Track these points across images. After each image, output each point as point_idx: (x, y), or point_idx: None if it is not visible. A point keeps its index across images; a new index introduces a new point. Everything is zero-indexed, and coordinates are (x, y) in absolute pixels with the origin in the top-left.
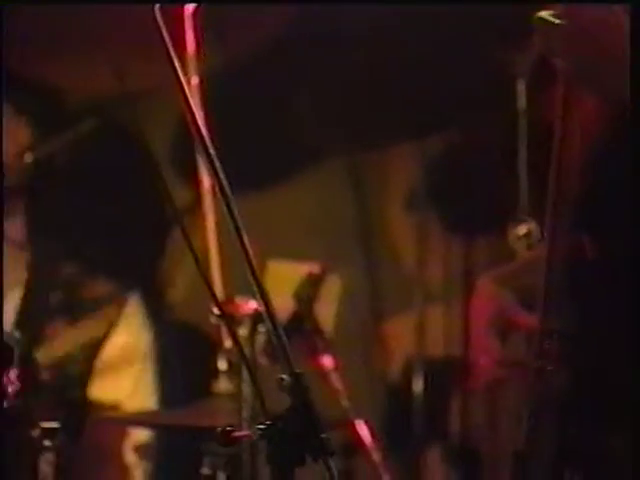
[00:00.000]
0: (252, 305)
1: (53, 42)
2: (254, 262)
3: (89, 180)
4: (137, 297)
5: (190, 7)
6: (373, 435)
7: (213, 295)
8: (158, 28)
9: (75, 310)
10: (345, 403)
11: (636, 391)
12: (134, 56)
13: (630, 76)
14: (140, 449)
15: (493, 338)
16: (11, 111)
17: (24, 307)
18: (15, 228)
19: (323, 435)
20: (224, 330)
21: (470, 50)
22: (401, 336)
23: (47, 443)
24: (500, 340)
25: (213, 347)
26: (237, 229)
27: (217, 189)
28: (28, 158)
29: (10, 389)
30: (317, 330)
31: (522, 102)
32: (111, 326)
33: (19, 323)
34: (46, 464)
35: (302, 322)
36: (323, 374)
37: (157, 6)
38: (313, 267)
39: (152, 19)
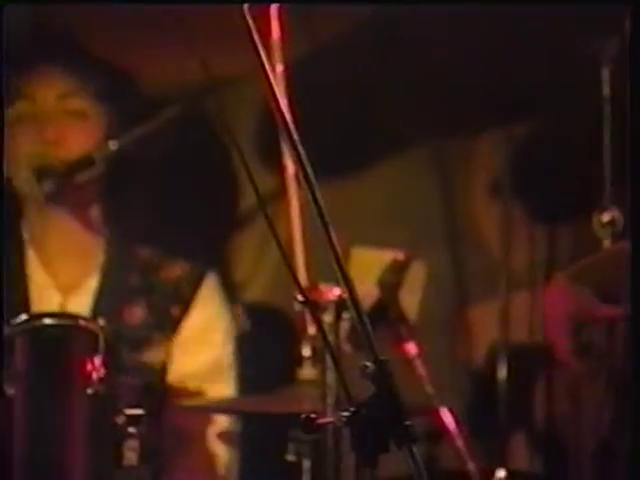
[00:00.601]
0: (336, 292)
1: (136, 29)
2: (338, 249)
3: (172, 167)
4: (214, 280)
5: None
6: (457, 422)
7: (297, 282)
8: (243, 15)
9: (152, 292)
10: (429, 390)
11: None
12: (219, 43)
13: (630, 76)
14: (224, 436)
15: (570, 334)
16: (92, 99)
17: (103, 292)
18: (93, 213)
19: (407, 422)
20: (308, 317)
21: (554, 38)
22: (485, 323)
23: (131, 430)
24: (577, 334)
25: (297, 334)
26: (321, 216)
27: (301, 176)
28: (112, 146)
29: (95, 376)
30: (401, 317)
31: (606, 90)
32: (188, 308)
33: (100, 309)
34: (130, 451)
35: (386, 309)
36: (407, 361)
37: None
38: (398, 254)
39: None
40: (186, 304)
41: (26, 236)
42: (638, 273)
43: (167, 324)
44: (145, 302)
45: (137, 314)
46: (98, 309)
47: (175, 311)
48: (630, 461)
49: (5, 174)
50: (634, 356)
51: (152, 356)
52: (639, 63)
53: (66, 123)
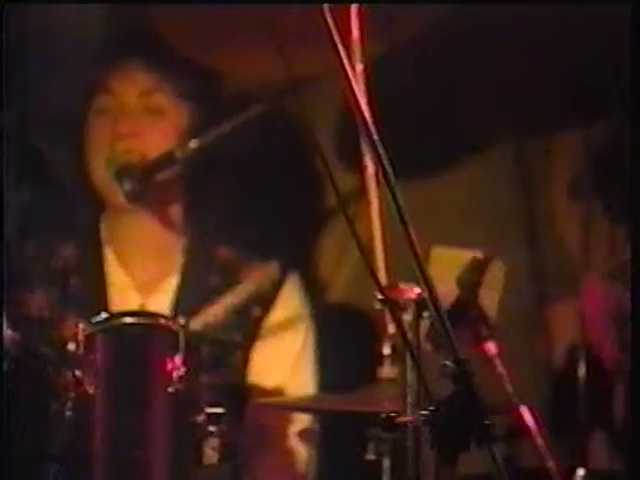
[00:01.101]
0: (416, 291)
1: (219, 27)
2: (418, 248)
3: (253, 166)
4: (295, 280)
5: None
6: (537, 421)
7: (377, 281)
8: (323, 15)
9: (232, 292)
10: (509, 389)
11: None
12: (300, 42)
13: (630, 75)
14: (304, 434)
15: (613, 331)
16: (173, 96)
17: (183, 292)
18: (173, 212)
19: (487, 421)
20: (388, 316)
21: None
22: (565, 321)
23: (212, 428)
24: (620, 331)
25: (377, 333)
26: (401, 215)
27: (381, 176)
28: (193, 144)
29: (175, 375)
30: (481, 316)
31: None
32: (269, 308)
33: (180, 309)
34: (211, 449)
35: (466, 308)
36: (487, 360)
37: None
38: (477, 253)
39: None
40: (267, 304)
41: (105, 236)
42: (638, 273)
43: (248, 324)
44: (226, 301)
45: (218, 314)
46: (178, 309)
47: (256, 311)
48: (631, 460)
49: (84, 170)
50: (634, 355)
51: (232, 355)
52: (639, 63)
53: (145, 119)
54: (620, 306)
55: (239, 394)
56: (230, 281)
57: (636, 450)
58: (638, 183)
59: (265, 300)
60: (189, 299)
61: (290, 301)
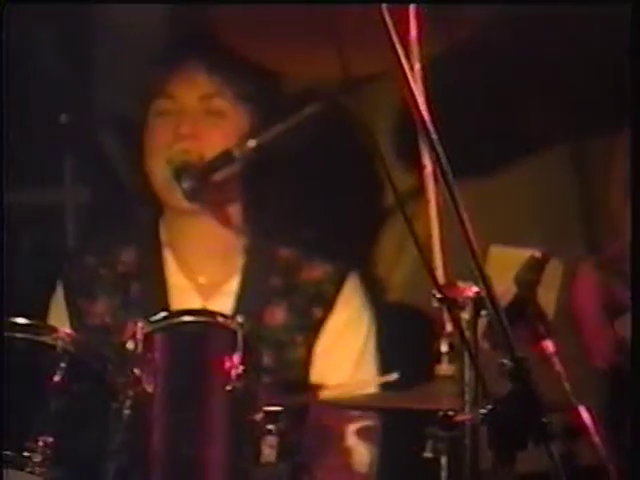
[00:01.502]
0: (474, 290)
1: (275, 27)
2: (476, 247)
3: (311, 166)
4: (356, 280)
5: None
6: (594, 419)
7: (434, 279)
8: (382, 15)
9: (293, 293)
10: (566, 387)
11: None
12: (358, 42)
13: (630, 75)
14: (364, 433)
15: (604, 322)
16: (233, 99)
17: (244, 293)
18: (233, 212)
19: (544, 419)
20: (446, 314)
21: None
22: None
23: (270, 427)
24: (611, 322)
25: (435, 331)
26: (459, 214)
27: (439, 174)
28: (251, 143)
29: (233, 373)
30: (539, 315)
31: None
32: (330, 308)
33: (239, 307)
34: (269, 448)
35: (524, 307)
36: (544, 358)
37: None
38: (535, 252)
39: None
40: (328, 305)
41: (164, 239)
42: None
43: (309, 325)
44: (287, 303)
45: (278, 315)
46: (239, 310)
47: (317, 312)
48: (631, 459)
49: (143, 172)
50: (634, 355)
51: (293, 355)
52: (639, 63)
53: (205, 122)
54: (615, 300)
55: (299, 393)
56: (291, 282)
57: (636, 450)
58: (638, 183)
59: (326, 301)
60: (250, 300)
61: (351, 301)
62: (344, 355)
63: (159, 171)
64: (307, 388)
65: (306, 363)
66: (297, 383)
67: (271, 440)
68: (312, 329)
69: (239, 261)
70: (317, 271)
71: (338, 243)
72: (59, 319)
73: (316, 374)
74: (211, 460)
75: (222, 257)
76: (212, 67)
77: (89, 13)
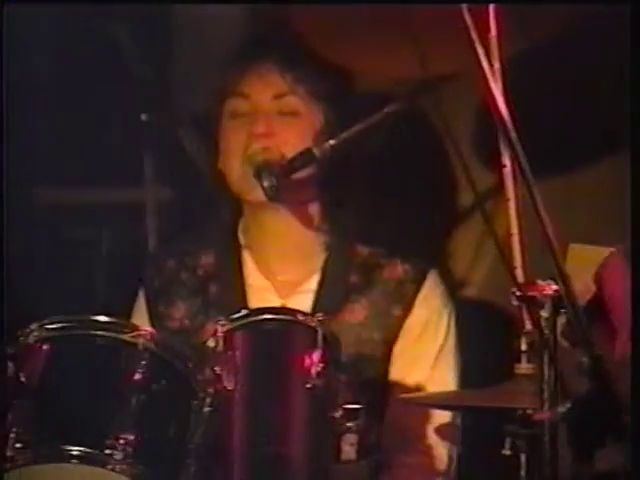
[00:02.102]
0: (553, 288)
1: (351, 25)
2: (555, 245)
3: (390, 164)
4: (435, 279)
5: None
6: None
7: (514, 278)
8: (461, 14)
9: (372, 291)
10: None
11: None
12: (436, 41)
13: (630, 75)
14: (442, 430)
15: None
16: (307, 98)
17: (324, 291)
18: (312, 211)
19: (623, 418)
20: (525, 312)
21: None
22: None
23: (350, 424)
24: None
25: (514, 329)
26: (538, 212)
27: (518, 173)
28: (331, 142)
29: (313, 370)
30: None
31: None
32: (409, 307)
33: (319, 305)
34: (349, 445)
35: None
36: (624, 357)
37: None
38: (614, 250)
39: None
40: (408, 303)
41: (242, 240)
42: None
43: (388, 323)
44: (366, 301)
45: (358, 313)
46: (318, 309)
47: (397, 310)
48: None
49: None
50: (634, 355)
51: (373, 354)
52: (639, 63)
53: (278, 122)
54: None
55: (379, 391)
56: (370, 280)
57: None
58: (638, 183)
59: (406, 299)
60: (329, 298)
61: (430, 300)
62: (423, 354)
63: (236, 170)
64: (386, 386)
65: (385, 361)
66: (376, 381)
67: (351, 438)
68: (391, 328)
69: (318, 260)
70: (397, 270)
71: (416, 242)
72: (140, 323)
73: (395, 372)
74: (291, 457)
75: (301, 256)
76: (285, 66)
77: (169, 12)
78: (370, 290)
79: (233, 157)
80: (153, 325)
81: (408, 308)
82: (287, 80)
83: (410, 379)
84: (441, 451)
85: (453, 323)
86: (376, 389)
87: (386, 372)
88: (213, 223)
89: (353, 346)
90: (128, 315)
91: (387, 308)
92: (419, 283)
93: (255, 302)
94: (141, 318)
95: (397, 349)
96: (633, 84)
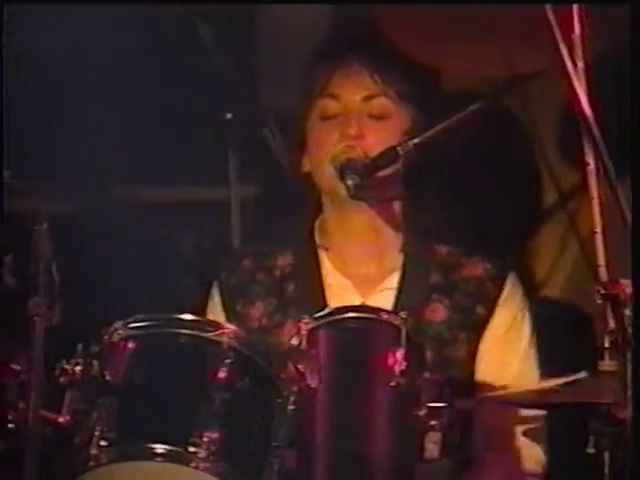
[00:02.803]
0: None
1: (437, 25)
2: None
3: (471, 162)
4: (516, 278)
5: None
6: None
7: (597, 276)
8: (545, 14)
9: (453, 290)
10: None
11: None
12: (520, 40)
13: (630, 76)
14: (529, 429)
15: None
16: (396, 99)
17: (404, 290)
18: (394, 210)
19: None
20: (609, 310)
21: None
22: None
23: (433, 422)
24: None
25: (597, 327)
26: (622, 211)
27: (602, 172)
28: (414, 141)
29: (397, 369)
30: None
31: None
32: (493, 306)
33: (400, 304)
34: (432, 443)
35: None
36: None
37: None
38: None
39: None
40: (491, 303)
41: (319, 238)
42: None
43: (472, 323)
44: (448, 300)
45: (440, 312)
46: (399, 307)
47: (480, 310)
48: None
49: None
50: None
51: (456, 353)
52: (639, 63)
53: (369, 124)
54: None
55: (463, 390)
56: (451, 279)
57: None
58: (638, 183)
59: (488, 299)
60: (410, 297)
61: (513, 299)
62: (508, 353)
63: (322, 170)
64: (472, 385)
65: (468, 361)
66: (460, 379)
67: (434, 436)
68: (475, 327)
69: (397, 258)
70: (478, 269)
71: (497, 241)
72: (216, 319)
73: (481, 372)
74: (374, 455)
75: (379, 254)
76: (374, 67)
77: (255, 12)
78: (451, 289)
79: (322, 157)
80: (228, 322)
81: (491, 308)
82: (377, 81)
83: (496, 378)
84: (525, 448)
85: (536, 321)
86: (461, 387)
87: (471, 371)
88: (291, 222)
89: (437, 346)
90: (203, 308)
91: (470, 307)
92: (501, 283)
93: (335, 301)
94: (216, 316)
95: (481, 348)
96: (633, 84)
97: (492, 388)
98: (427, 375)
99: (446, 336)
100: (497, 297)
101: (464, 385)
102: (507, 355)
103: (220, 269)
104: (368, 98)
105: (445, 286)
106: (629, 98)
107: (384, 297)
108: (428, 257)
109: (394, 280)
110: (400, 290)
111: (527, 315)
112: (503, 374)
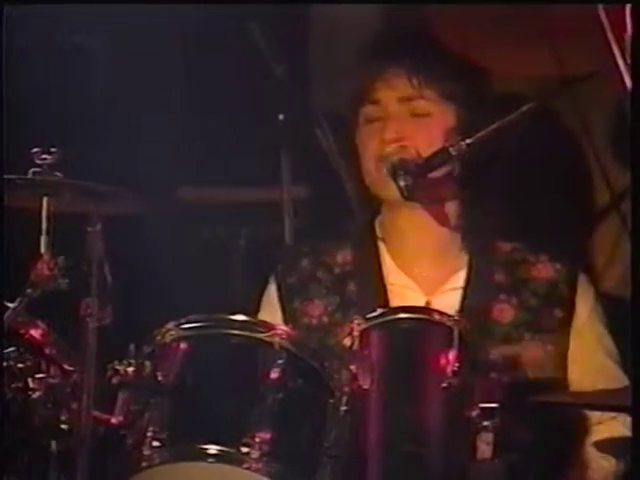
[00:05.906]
0: None
1: (488, 25)
2: None
3: (525, 163)
4: (586, 278)
5: None
6: None
7: None
8: (597, 15)
9: (522, 290)
10: None
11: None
12: (572, 41)
13: (631, 76)
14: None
15: None
16: (437, 99)
17: (470, 287)
18: (449, 210)
19: None
20: None
21: None
22: None
23: (486, 423)
24: None
25: None
26: None
27: None
28: (466, 142)
29: (449, 369)
30: None
31: None
32: (571, 309)
33: (466, 303)
34: (485, 444)
35: None
36: None
37: None
38: None
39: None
40: (568, 305)
41: (380, 236)
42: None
43: (546, 325)
44: (516, 300)
45: (507, 312)
46: (466, 306)
47: (558, 312)
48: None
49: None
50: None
51: (525, 353)
52: (639, 63)
53: (410, 123)
54: None
55: (520, 391)
56: (517, 279)
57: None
58: (638, 183)
59: (560, 300)
60: (477, 296)
61: (588, 300)
62: (590, 355)
63: (372, 172)
64: (530, 385)
65: (537, 360)
66: (521, 380)
67: (487, 436)
68: (553, 329)
69: (460, 258)
70: (549, 270)
71: (558, 241)
72: (271, 318)
73: (571, 374)
74: (427, 456)
75: (439, 254)
76: (413, 69)
77: (304, 13)
78: (519, 288)
79: (369, 160)
80: (287, 321)
81: (569, 309)
82: (415, 83)
83: (580, 381)
84: (597, 462)
85: (603, 323)
86: (519, 388)
87: (556, 374)
88: (350, 221)
89: (500, 345)
90: (256, 310)
91: (541, 308)
92: (573, 284)
93: (398, 300)
94: (271, 313)
95: (560, 350)
96: (633, 84)
97: (551, 389)
98: (491, 375)
99: (513, 336)
100: (573, 299)
101: (523, 385)
102: (572, 357)
103: (276, 265)
104: (405, 100)
105: (512, 285)
106: (630, 99)
107: (450, 297)
108: (492, 255)
109: (460, 279)
110: (467, 289)
111: (600, 317)
112: (587, 376)
